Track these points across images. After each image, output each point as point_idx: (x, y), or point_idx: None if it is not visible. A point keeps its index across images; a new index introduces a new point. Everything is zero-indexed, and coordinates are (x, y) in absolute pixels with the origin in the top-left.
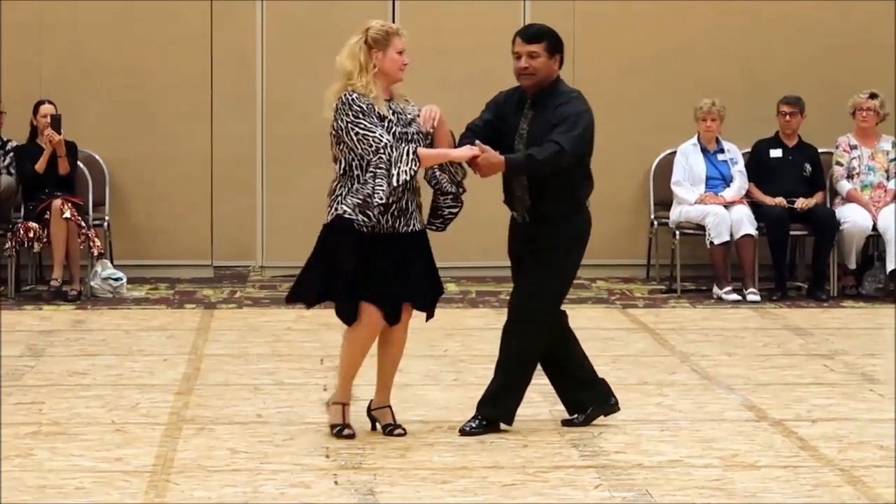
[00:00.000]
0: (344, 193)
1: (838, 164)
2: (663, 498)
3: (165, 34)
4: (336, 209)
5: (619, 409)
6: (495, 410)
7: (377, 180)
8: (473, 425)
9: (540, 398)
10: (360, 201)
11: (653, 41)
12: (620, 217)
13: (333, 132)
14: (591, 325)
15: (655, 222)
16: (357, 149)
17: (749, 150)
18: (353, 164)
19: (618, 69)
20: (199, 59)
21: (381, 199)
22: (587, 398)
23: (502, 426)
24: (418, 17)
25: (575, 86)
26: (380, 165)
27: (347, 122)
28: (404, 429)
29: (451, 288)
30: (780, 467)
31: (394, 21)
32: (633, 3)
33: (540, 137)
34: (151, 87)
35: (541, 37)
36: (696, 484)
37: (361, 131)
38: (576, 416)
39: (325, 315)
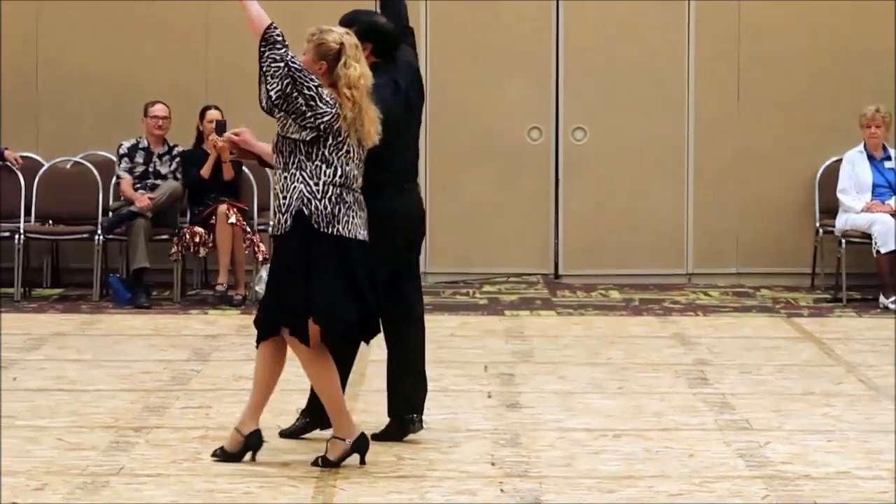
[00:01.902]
0: None
1: None
2: None
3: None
4: None
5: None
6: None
7: None
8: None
9: (706, 407)
10: None
11: (819, 45)
12: (785, 225)
13: None
14: (755, 333)
15: (821, 230)
16: None
17: None
18: None
19: (783, 74)
20: None
21: None
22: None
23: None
24: (583, 16)
25: (741, 89)
26: None
27: None
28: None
29: (613, 295)
30: None
31: (557, 22)
32: (799, 3)
33: None
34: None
35: (348, 25)
36: (864, 496)
37: None
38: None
39: (489, 322)
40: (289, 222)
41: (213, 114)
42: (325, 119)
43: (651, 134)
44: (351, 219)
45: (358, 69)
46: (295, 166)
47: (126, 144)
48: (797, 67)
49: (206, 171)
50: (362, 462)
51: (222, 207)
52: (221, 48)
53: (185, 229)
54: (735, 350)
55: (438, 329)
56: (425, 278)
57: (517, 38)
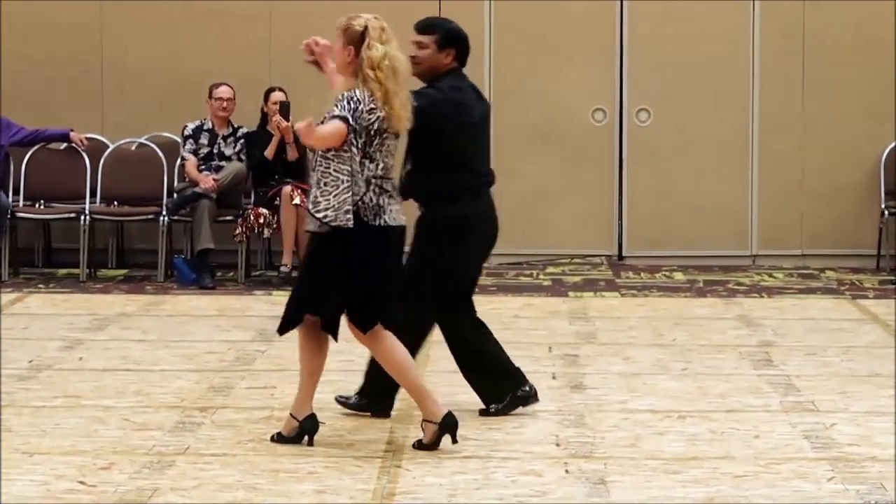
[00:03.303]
0: None
1: None
2: None
3: (395, 27)
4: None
5: (536, 398)
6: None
7: None
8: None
9: (770, 388)
10: None
11: (883, 28)
12: (850, 207)
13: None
14: (820, 315)
15: (886, 212)
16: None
17: None
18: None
19: (849, 58)
20: None
21: None
22: (505, 388)
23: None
24: (647, 11)
25: (807, 76)
26: None
27: None
28: None
29: (677, 277)
30: None
31: (622, 22)
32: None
33: None
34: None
35: (431, 29)
36: None
37: None
38: (493, 405)
39: (553, 303)
40: None
41: (277, 95)
42: (371, 119)
43: (715, 115)
44: (394, 207)
45: (380, 50)
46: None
47: (190, 126)
48: (861, 53)
49: (270, 153)
50: (454, 441)
51: (286, 188)
52: (285, 30)
53: (250, 210)
54: (800, 332)
55: (502, 310)
56: (490, 259)
57: (580, 28)
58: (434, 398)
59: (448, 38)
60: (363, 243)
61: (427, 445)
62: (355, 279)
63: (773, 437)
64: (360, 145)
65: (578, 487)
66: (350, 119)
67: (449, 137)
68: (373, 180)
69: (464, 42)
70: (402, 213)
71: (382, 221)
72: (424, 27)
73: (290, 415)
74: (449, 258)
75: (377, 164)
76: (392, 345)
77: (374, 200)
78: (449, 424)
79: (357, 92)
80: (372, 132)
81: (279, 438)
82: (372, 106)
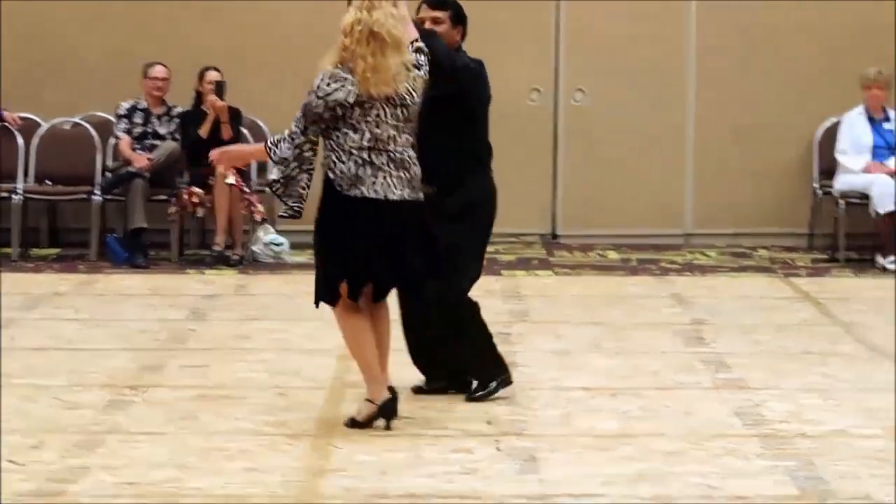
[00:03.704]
0: None
1: None
2: (827, 468)
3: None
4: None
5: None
6: None
7: None
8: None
9: (702, 366)
10: None
11: (818, 8)
12: (783, 186)
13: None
14: (753, 293)
15: (819, 191)
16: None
17: None
18: None
19: (781, 37)
20: None
21: None
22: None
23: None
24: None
25: (742, 55)
26: None
27: None
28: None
29: (611, 255)
30: None
31: (558, 20)
32: None
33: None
34: (319, 55)
35: (445, 5)
36: (860, 454)
37: None
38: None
39: (486, 282)
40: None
41: (212, 75)
42: (338, 97)
43: (651, 95)
44: (381, 179)
45: (352, 15)
46: (326, 137)
47: (125, 105)
48: (794, 35)
49: (204, 132)
50: (387, 427)
51: (220, 168)
52: (221, 12)
53: (184, 190)
54: (732, 310)
55: None
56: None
57: (518, 8)
58: (382, 382)
59: (459, 14)
60: (332, 211)
61: (359, 423)
62: (323, 245)
63: (704, 415)
64: (315, 131)
65: (509, 464)
66: (275, 139)
67: (476, 107)
68: (354, 151)
69: (466, 19)
70: (399, 188)
71: (359, 193)
72: (439, 3)
73: (366, 399)
74: (482, 234)
75: (362, 135)
76: (357, 320)
77: (353, 171)
78: (388, 410)
79: (321, 74)
80: (347, 104)
81: (351, 423)
82: (334, 84)
